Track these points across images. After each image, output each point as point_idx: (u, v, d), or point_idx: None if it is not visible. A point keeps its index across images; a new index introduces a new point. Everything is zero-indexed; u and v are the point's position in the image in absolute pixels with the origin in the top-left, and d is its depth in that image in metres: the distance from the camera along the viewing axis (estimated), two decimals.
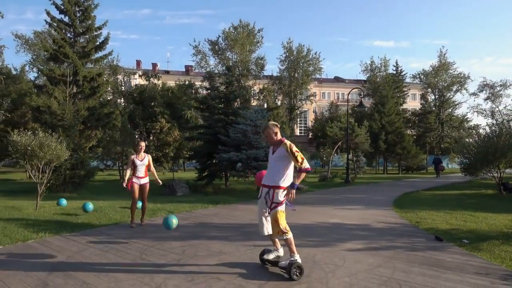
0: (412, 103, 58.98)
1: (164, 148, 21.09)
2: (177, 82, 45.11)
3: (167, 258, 4.79)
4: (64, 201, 8.97)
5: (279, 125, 4.47)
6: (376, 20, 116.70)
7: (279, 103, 50.98)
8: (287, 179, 4.17)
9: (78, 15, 18.30)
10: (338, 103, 59.59)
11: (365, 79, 54.70)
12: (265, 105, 40.69)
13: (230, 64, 46.99)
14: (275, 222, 4.14)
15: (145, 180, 6.99)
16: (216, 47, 46.50)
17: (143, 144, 7.02)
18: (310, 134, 55.84)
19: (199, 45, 47.06)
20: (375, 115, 31.97)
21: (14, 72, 35.48)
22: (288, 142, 4.21)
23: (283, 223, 4.13)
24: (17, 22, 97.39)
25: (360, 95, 18.89)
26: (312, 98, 51.64)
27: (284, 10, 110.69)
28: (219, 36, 45.97)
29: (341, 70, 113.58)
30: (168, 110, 37.51)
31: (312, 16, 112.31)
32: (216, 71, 49.53)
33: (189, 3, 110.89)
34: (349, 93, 21.44)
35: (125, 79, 49.24)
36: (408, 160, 31.30)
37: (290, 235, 4.14)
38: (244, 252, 5.13)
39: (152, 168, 7.14)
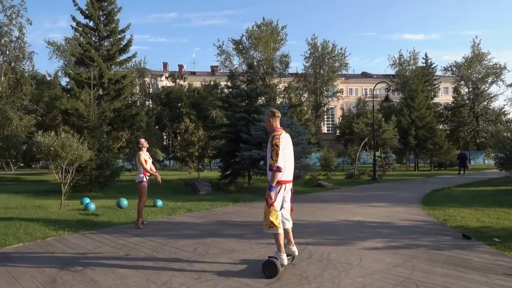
0: (444, 97, 56.68)
1: (189, 148, 21.25)
2: (202, 83, 45.65)
3: (178, 256, 4.72)
4: (87, 200, 9.15)
5: (277, 114, 4.27)
6: (405, 13, 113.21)
7: (304, 100, 50.57)
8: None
9: (102, 19, 18.80)
10: (366, 99, 58.16)
11: (393, 73, 53.14)
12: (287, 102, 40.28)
13: (254, 62, 47.00)
14: (264, 215, 4.01)
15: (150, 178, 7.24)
16: (240, 46, 46.56)
17: (145, 141, 7.27)
18: (338, 131, 54.86)
19: (222, 45, 47.33)
20: (404, 110, 30.89)
21: (48, 78, 37.12)
22: (274, 134, 4.05)
23: (272, 218, 3.93)
24: (52, 30, 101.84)
25: (387, 89, 18.23)
26: (338, 94, 50.68)
27: (309, 6, 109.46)
28: (243, 35, 46.04)
29: (368, 66, 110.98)
30: (194, 110, 38.06)
31: (338, 11, 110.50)
32: (240, 70, 49.75)
33: (214, 4, 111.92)
34: (374, 88, 20.78)
35: (152, 81, 50.38)
36: (440, 156, 30.00)
37: (279, 231, 3.94)
38: (257, 250, 4.98)
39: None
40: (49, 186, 16.57)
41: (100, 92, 18.73)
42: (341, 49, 48.71)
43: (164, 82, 51.61)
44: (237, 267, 4.22)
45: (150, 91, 46.54)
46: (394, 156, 29.84)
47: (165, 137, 43.86)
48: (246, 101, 16.47)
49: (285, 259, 3.95)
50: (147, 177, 7.00)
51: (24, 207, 9.26)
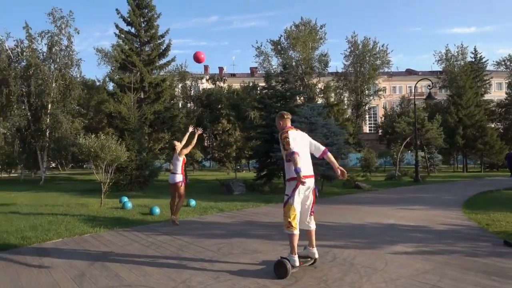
0: (497, 93, 52.98)
1: (226, 149, 21.56)
2: (241, 84, 46.19)
3: (202, 255, 4.79)
4: (125, 199, 9.56)
5: (287, 116, 4.24)
6: (454, 5, 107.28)
7: (345, 100, 49.56)
8: (291, 169, 3.93)
9: (143, 25, 19.61)
10: (411, 97, 55.81)
11: (440, 70, 50.54)
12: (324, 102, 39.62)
13: (293, 63, 46.82)
14: (283, 214, 4.01)
15: None
16: (279, 46, 46.55)
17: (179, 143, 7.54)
18: (380, 131, 53.14)
19: (261, 46, 47.51)
20: (451, 108, 29.26)
21: (97, 83, 39.38)
22: (281, 131, 4.10)
23: (291, 217, 3.90)
24: (102, 38, 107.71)
25: (429, 86, 17.36)
26: (380, 93, 49.11)
27: (351, 3, 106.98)
28: (281, 36, 45.98)
29: (413, 62, 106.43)
30: (234, 112, 38.56)
31: (380, 7, 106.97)
32: (278, 71, 49.69)
33: (255, 6, 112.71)
34: (415, 85, 19.88)
35: (192, 84, 51.82)
36: (492, 156, 28.08)
37: (295, 232, 3.90)
38: (281, 252, 4.92)
39: None
40: (95, 185, 17.46)
41: (142, 95, 19.52)
42: (382, 46, 47.20)
43: (204, 85, 52.87)
44: (257, 268, 4.21)
45: (191, 94, 47.81)
46: (440, 156, 28.36)
47: (206, 138, 44.90)
48: (282, 102, 16.44)
49: (296, 261, 3.91)
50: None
51: (69, 205, 9.87)
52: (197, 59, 6.93)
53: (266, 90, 17.73)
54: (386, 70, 51.57)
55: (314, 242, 4.26)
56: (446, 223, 6.81)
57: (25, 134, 18.71)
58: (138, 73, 18.44)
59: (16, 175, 24.97)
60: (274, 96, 16.51)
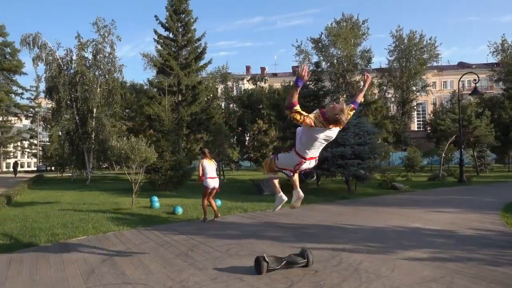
0: None
1: (262, 149, 21.65)
2: (282, 84, 46.12)
3: (209, 255, 4.88)
4: (155, 199, 9.93)
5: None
6: None
7: (389, 96, 47.77)
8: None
9: (180, 30, 20.26)
10: (463, 92, 52.48)
11: (496, 62, 46.97)
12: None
13: (334, 60, 45.98)
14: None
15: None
16: (320, 44, 45.83)
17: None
18: (428, 128, 50.49)
19: (301, 44, 47.03)
20: (506, 103, 27.11)
21: (145, 87, 41.38)
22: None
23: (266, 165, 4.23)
24: (151, 43, 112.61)
25: (475, 80, 16.20)
26: (428, 88, 46.76)
27: None
28: (322, 33, 45.23)
29: (467, 55, 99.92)
30: (274, 112, 38.64)
31: None
32: (320, 69, 48.69)
33: (298, 4, 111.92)
34: (460, 79, 18.68)
35: (233, 85, 52.62)
36: None
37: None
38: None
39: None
40: (144, 186, 18.28)
41: (179, 98, 20.17)
42: (430, 39, 44.85)
43: (246, 85, 53.47)
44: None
45: (233, 94, 48.56)
46: (494, 155, 26.41)
47: (247, 139, 45.43)
48: (315, 101, 16.22)
49: (282, 198, 4.13)
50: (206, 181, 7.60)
51: (104, 203, 10.46)
52: None
53: (300, 89, 17.57)
54: (435, 64, 48.83)
55: (298, 184, 4.15)
56: (475, 228, 6.36)
57: (73, 137, 20.10)
58: (175, 76, 19.07)
59: (69, 175, 26.83)
60: (306, 95, 16.34)
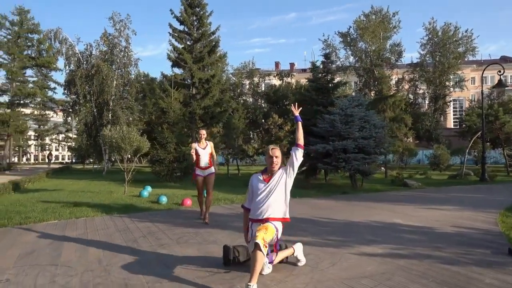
0: None
1: (276, 143, 21.35)
2: (308, 79, 45.46)
3: (156, 242, 4.76)
4: (148, 189, 9.97)
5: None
6: None
7: (421, 92, 45.89)
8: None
9: (195, 23, 20.31)
10: (507, 87, 49.35)
11: None
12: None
13: (362, 55, 44.77)
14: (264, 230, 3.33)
15: (210, 171, 6.43)
16: (348, 38, 44.62)
17: (202, 132, 6.62)
18: (463, 125, 47.99)
19: (328, 39, 46.02)
20: None
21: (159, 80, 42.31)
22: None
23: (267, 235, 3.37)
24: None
25: (499, 72, 15.05)
26: (463, 83, 44.34)
27: None
28: (350, 27, 44.03)
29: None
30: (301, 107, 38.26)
31: None
32: (348, 64, 47.81)
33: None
34: (483, 72, 17.45)
35: (260, 81, 52.53)
36: None
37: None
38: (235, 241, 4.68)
39: (215, 156, 6.73)
40: (148, 176, 18.64)
41: (193, 91, 20.26)
42: (466, 31, 42.50)
43: (273, 81, 53.23)
44: (184, 259, 4.05)
45: (261, 90, 48.47)
46: None
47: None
48: (324, 94, 15.76)
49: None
50: (202, 169, 6.41)
51: (101, 192, 10.66)
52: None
53: (311, 83, 17.16)
54: (474, 58, 46.29)
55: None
56: (460, 226, 5.83)
57: (91, 129, 20.77)
58: (189, 70, 19.16)
59: (94, 166, 27.78)
60: (316, 88, 15.91)
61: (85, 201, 8.65)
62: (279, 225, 3.56)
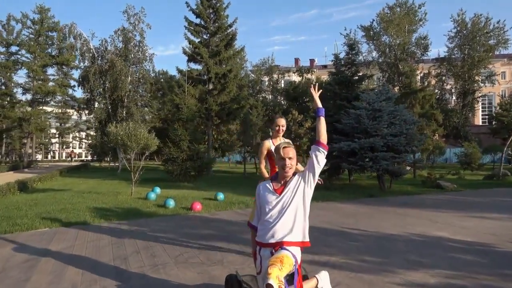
0: None
1: (296, 141, 20.36)
2: (329, 75, 44.18)
3: (150, 261, 3.93)
4: (156, 190, 9.22)
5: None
6: None
7: (448, 87, 43.84)
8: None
9: (211, 16, 19.49)
10: None
11: None
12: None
13: (386, 49, 43.09)
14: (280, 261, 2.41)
15: None
16: (371, 32, 42.98)
17: (280, 122, 3.87)
18: (493, 122, 45.54)
19: (350, 33, 44.47)
20: None
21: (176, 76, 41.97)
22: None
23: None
24: None
25: None
26: (495, 78, 42.05)
27: None
28: (373, 20, 42.38)
29: None
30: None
31: None
32: (370, 58, 46.13)
33: None
34: None
35: (279, 77, 51.67)
36: None
37: None
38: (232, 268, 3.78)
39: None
40: (164, 175, 17.93)
41: (210, 87, 19.48)
42: (498, 22, 40.15)
43: (293, 77, 52.24)
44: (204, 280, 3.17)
45: (281, 86, 47.67)
46: None
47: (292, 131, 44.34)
48: (348, 88, 14.66)
49: None
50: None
51: (108, 193, 9.97)
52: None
53: (334, 76, 16.07)
54: (505, 52, 43.82)
55: None
56: None
57: (106, 126, 20.26)
58: (205, 64, 18.39)
59: (110, 164, 27.46)
60: (339, 82, 14.81)
61: (87, 204, 7.96)
62: (297, 252, 2.57)
